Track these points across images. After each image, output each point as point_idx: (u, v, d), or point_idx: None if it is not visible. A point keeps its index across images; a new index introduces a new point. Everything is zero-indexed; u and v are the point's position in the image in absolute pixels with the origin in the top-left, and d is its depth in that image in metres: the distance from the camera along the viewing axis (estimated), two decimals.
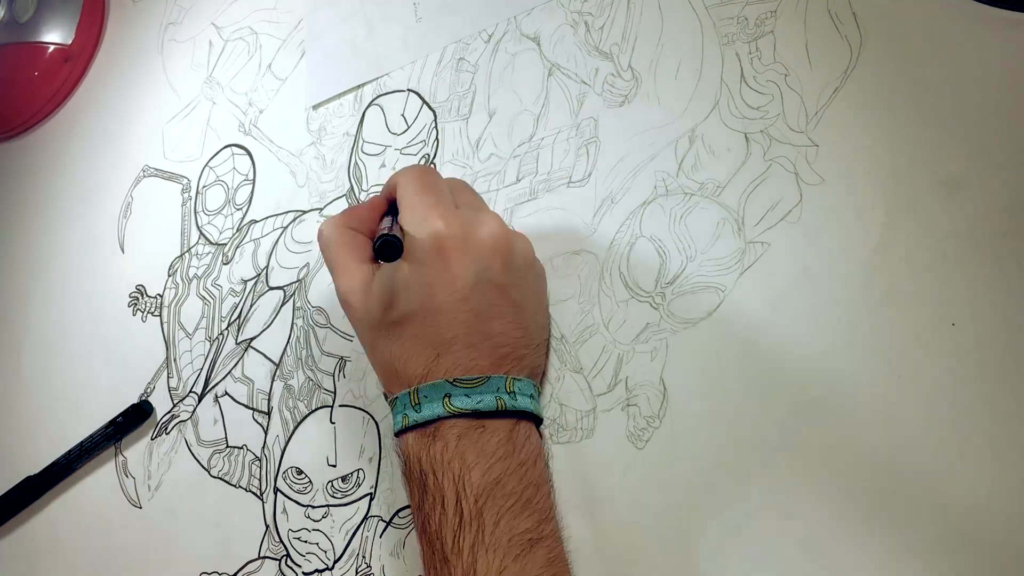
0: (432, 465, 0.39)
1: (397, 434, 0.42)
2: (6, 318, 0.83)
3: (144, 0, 0.88)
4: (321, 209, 0.63)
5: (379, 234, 0.40)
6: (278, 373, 0.61)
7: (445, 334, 0.41)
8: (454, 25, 0.61)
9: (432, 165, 0.57)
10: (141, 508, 0.64)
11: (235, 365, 0.63)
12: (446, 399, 0.40)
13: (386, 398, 0.45)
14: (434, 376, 0.41)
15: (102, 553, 0.66)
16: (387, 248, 0.40)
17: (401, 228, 0.43)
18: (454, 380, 0.40)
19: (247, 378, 0.62)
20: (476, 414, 0.39)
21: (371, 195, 0.60)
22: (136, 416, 0.65)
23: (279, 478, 0.57)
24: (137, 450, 0.66)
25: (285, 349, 0.61)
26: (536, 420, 0.43)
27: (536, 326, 0.45)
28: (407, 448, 0.41)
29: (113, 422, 0.65)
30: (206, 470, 0.61)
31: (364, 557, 0.52)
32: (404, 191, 0.44)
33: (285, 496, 0.56)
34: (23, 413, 0.77)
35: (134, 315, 0.73)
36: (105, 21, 0.91)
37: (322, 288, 0.61)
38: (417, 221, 0.42)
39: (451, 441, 0.39)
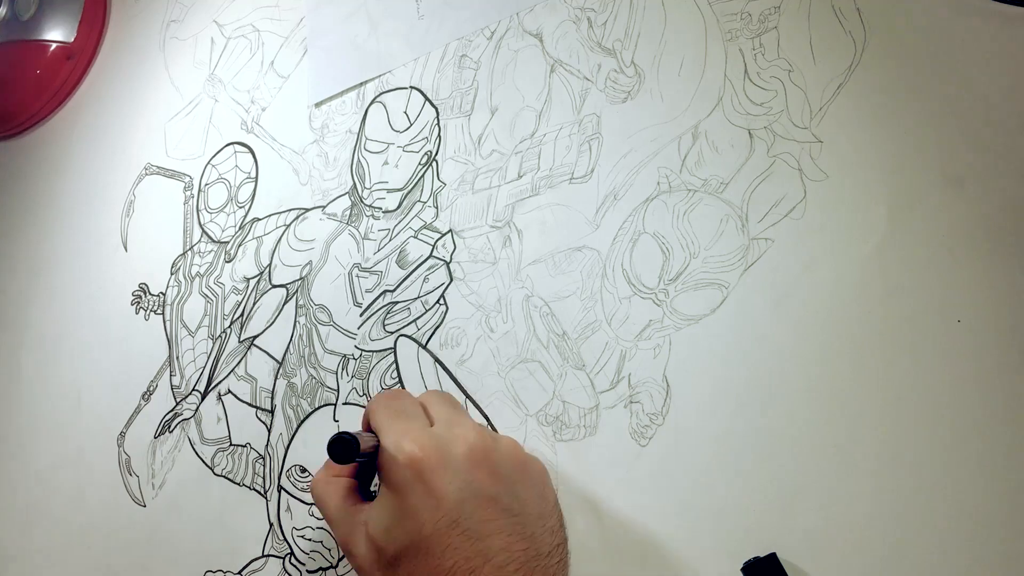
0: None
1: None
2: (8, 316, 0.83)
3: None
4: (324, 207, 0.63)
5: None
6: (281, 371, 0.60)
7: (441, 566, 0.37)
8: (456, 22, 0.61)
9: (400, 386, 0.54)
10: (145, 507, 0.64)
11: (238, 363, 0.63)
12: None
13: None
14: None
15: (106, 552, 0.66)
16: (336, 446, 0.38)
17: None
18: None
19: (250, 376, 0.62)
20: None
21: (374, 193, 0.59)
22: None
23: (283, 476, 0.57)
24: (140, 448, 0.67)
25: (288, 347, 0.61)
26: None
27: (544, 532, 0.40)
28: None
29: None
30: (210, 468, 0.61)
31: None
32: (375, 420, 0.43)
33: (289, 494, 0.57)
34: (25, 411, 0.77)
35: (136, 313, 0.73)
36: (107, 19, 0.91)
37: (325, 286, 0.61)
38: (391, 450, 0.40)
39: None
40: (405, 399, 0.45)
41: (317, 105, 0.67)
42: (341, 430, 0.38)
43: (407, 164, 0.60)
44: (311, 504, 0.55)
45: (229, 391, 0.63)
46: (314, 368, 0.59)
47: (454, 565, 0.37)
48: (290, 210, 0.65)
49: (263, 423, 0.60)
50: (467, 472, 0.39)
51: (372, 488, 0.46)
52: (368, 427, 0.45)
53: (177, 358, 0.68)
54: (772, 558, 0.37)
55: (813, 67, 0.45)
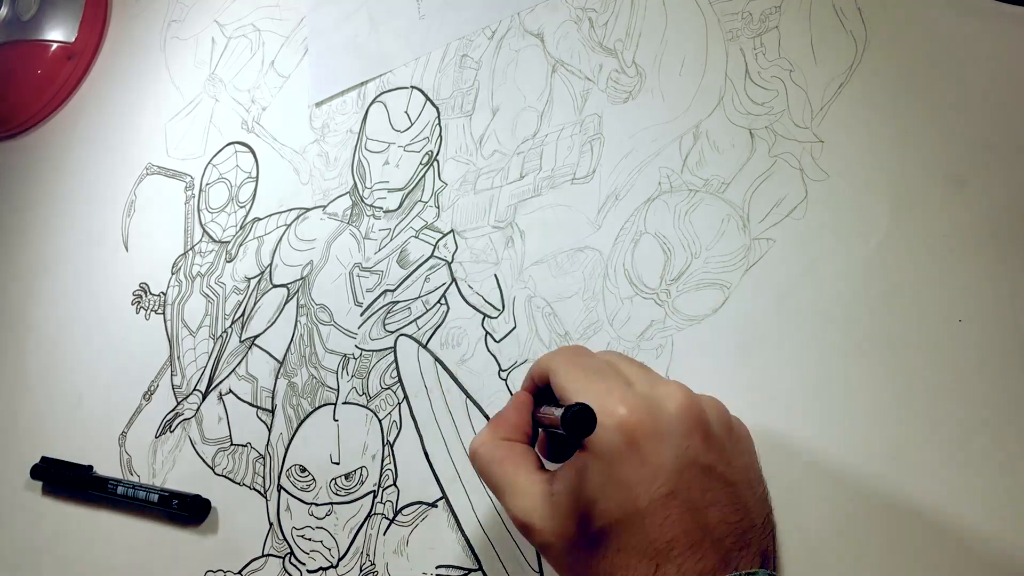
0: None
1: None
2: (10, 316, 0.83)
3: None
4: (324, 207, 0.63)
5: (564, 409, 0.32)
6: (282, 371, 0.60)
7: (659, 539, 0.33)
8: (457, 22, 0.61)
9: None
10: None
11: (239, 363, 0.63)
12: None
13: None
14: None
15: (107, 551, 0.66)
16: (581, 419, 0.32)
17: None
18: None
19: (251, 376, 0.62)
20: None
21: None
22: (195, 508, 0.60)
23: (283, 476, 0.57)
24: (141, 448, 0.66)
25: (289, 347, 0.61)
26: None
27: (756, 501, 0.37)
28: None
29: (171, 502, 0.61)
30: (210, 468, 0.61)
31: (368, 555, 0.51)
32: (564, 379, 0.38)
33: (289, 494, 0.56)
34: (27, 410, 0.77)
35: (137, 313, 0.73)
36: (108, 19, 0.91)
37: (325, 285, 0.61)
38: (596, 410, 0.34)
39: None
40: (589, 352, 0.41)
41: (318, 105, 0.67)
42: (576, 402, 0.33)
43: (408, 164, 0.60)
44: (311, 504, 0.55)
45: (230, 391, 0.63)
46: (315, 368, 0.59)
47: (673, 539, 0.33)
48: (291, 210, 0.65)
49: (263, 423, 0.60)
50: (682, 437, 0.35)
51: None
52: (538, 386, 0.41)
53: (178, 358, 0.68)
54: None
55: (814, 67, 0.45)
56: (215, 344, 0.65)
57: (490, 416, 0.49)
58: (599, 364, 0.39)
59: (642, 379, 0.38)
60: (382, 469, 0.53)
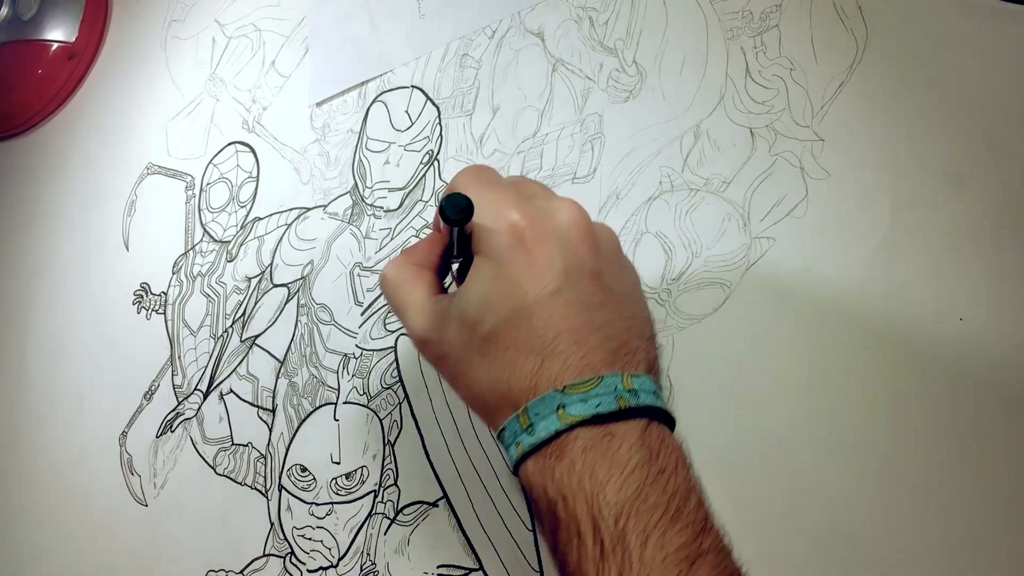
0: (560, 490, 0.32)
1: (515, 468, 0.35)
2: (10, 316, 0.83)
3: None
4: (325, 206, 0.63)
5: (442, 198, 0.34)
6: (282, 370, 0.60)
7: (546, 334, 0.34)
8: (458, 21, 0.61)
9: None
10: (147, 506, 0.64)
11: (240, 363, 0.63)
12: (560, 410, 0.33)
13: (495, 436, 0.38)
14: (543, 387, 0.34)
15: (108, 551, 0.66)
16: (450, 204, 0.34)
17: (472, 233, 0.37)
18: (564, 388, 0.33)
19: (252, 375, 0.62)
20: (597, 419, 0.33)
21: (376, 191, 0.58)
22: None
23: (283, 475, 0.57)
24: (142, 448, 0.66)
25: (289, 346, 0.61)
26: (668, 421, 0.35)
27: (641, 318, 0.38)
28: (529, 479, 0.34)
29: None
30: (211, 468, 0.61)
31: (368, 555, 0.51)
32: (467, 191, 0.39)
33: (290, 494, 0.56)
34: (27, 411, 0.77)
35: (138, 313, 0.73)
36: (108, 18, 0.91)
37: (326, 285, 0.61)
38: (490, 217, 0.36)
39: (576, 457, 0.32)
40: (493, 170, 0.41)
41: (318, 104, 0.67)
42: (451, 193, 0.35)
43: (409, 163, 0.60)
44: (311, 503, 0.55)
45: (231, 390, 0.63)
46: (315, 367, 0.59)
47: (558, 334, 0.34)
48: (291, 209, 0.65)
49: (264, 423, 0.60)
50: (571, 244, 0.36)
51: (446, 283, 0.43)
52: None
53: (179, 357, 0.68)
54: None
55: (815, 65, 0.45)
56: (216, 344, 0.65)
57: None
58: (500, 179, 0.40)
59: (541, 194, 0.39)
60: (383, 469, 0.53)
